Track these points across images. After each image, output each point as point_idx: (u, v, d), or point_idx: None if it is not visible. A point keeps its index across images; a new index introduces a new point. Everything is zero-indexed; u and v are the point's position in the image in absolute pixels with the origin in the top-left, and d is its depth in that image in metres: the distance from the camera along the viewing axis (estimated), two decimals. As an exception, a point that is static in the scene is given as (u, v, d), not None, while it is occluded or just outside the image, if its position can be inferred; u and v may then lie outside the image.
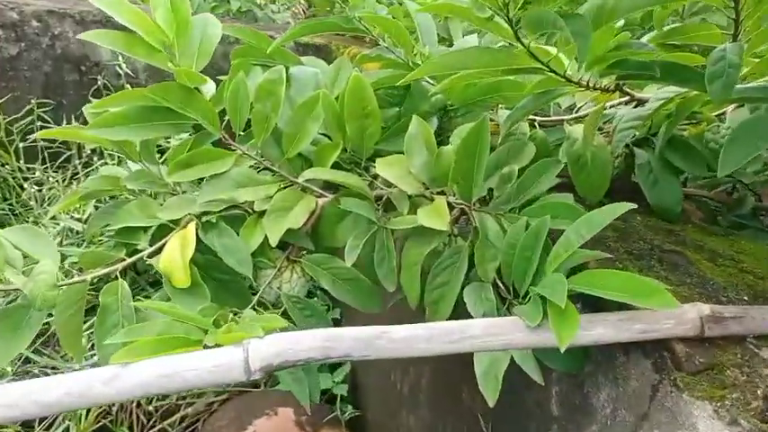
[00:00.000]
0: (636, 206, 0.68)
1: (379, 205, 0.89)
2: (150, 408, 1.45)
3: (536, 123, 1.00)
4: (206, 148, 0.87)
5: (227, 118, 0.88)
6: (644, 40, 0.79)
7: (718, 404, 0.58)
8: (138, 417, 1.44)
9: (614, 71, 0.80)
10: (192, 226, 0.83)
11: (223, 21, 0.91)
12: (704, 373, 0.62)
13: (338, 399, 1.60)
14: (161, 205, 0.89)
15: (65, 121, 2.15)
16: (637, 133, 1.03)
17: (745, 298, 0.75)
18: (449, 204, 0.82)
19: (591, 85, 0.84)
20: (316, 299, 1.91)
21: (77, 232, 1.82)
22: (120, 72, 2.00)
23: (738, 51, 0.76)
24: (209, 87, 0.92)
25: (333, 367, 1.76)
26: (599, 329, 0.63)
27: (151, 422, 1.45)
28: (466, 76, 0.82)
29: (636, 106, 0.97)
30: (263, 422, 1.30)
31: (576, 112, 1.02)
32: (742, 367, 0.62)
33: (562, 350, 0.58)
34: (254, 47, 0.98)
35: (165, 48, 0.82)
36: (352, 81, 0.85)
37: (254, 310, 0.86)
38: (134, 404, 1.42)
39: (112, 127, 0.81)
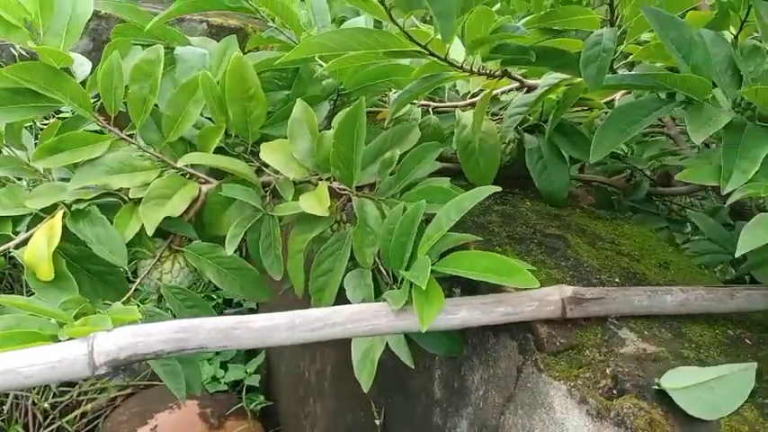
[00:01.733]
0: (499, 189, 0.68)
1: (266, 191, 0.87)
2: (46, 405, 1.37)
3: (430, 109, 1.00)
4: (76, 132, 0.82)
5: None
6: (521, 23, 0.79)
7: (572, 384, 0.59)
8: (34, 415, 1.36)
9: (497, 56, 0.81)
10: (59, 215, 0.79)
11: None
12: (564, 353, 0.64)
13: (244, 390, 1.56)
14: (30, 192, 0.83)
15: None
16: (530, 118, 1.04)
17: (617, 280, 0.78)
18: (335, 190, 0.81)
19: (475, 70, 0.84)
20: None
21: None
22: (15, 53, 1.87)
23: (613, 36, 0.78)
24: (83, 68, 0.87)
25: (248, 357, 1.73)
26: (464, 312, 0.63)
27: (48, 420, 1.38)
28: (352, 59, 0.80)
29: (527, 92, 0.98)
30: (165, 416, 1.26)
31: (469, 98, 1.02)
32: (600, 347, 0.64)
33: (422, 331, 0.57)
34: (135, 26, 0.93)
35: (27, 25, 0.77)
36: (231, 62, 0.82)
37: (140, 302, 0.83)
38: (29, 401, 1.34)
39: (-31, 109, 0.75)
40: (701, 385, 0.54)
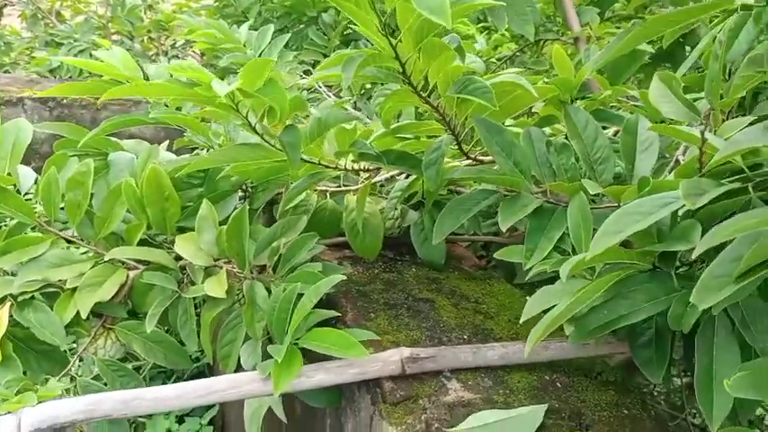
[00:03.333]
0: (343, 277, 0.86)
1: (184, 275, 1.04)
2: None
3: (328, 194, 1.19)
4: (21, 237, 0.99)
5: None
6: (374, 135, 0.98)
7: (401, 428, 0.76)
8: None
9: (361, 159, 1.00)
10: (6, 306, 0.95)
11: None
12: (402, 403, 0.80)
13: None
14: (-16, 287, 1.00)
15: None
16: (416, 195, 1.23)
17: (465, 336, 0.95)
18: (234, 273, 0.99)
19: (348, 168, 1.03)
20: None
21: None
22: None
23: (449, 142, 0.97)
24: (27, 180, 1.05)
25: (205, 408, 1.87)
26: (320, 375, 0.80)
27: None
28: (243, 165, 0.98)
29: (407, 177, 1.17)
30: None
31: (361, 182, 1.21)
32: (430, 396, 0.81)
33: (275, 396, 0.74)
34: (72, 140, 1.11)
35: (-23, 153, 0.95)
36: (149, 172, 1.00)
37: (79, 375, 0.99)
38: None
39: (-72, 224, 0.93)
40: (486, 426, 0.71)
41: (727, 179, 0.62)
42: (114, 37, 3.65)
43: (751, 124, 0.67)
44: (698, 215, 0.62)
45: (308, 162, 0.97)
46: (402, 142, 1.02)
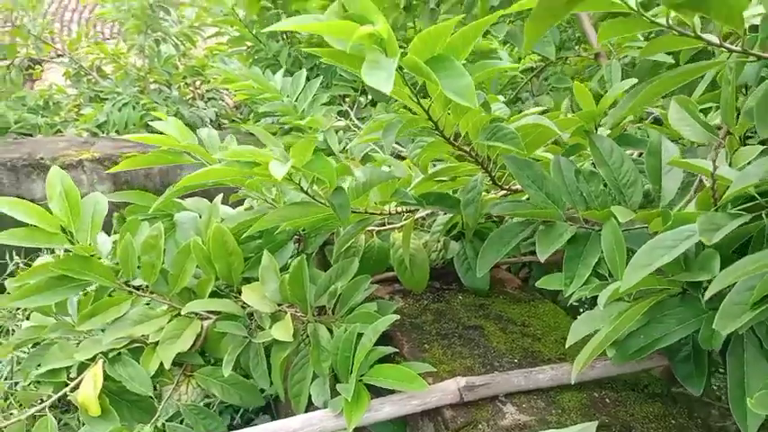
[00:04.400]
0: (397, 317, 0.94)
1: (251, 321, 1.14)
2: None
3: (374, 233, 1.27)
4: (105, 299, 1.11)
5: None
6: (414, 182, 1.07)
7: (465, 452, 0.83)
8: None
9: (404, 204, 1.08)
10: (99, 363, 1.07)
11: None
12: (463, 429, 0.88)
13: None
14: (77, 346, 1.12)
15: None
16: (456, 228, 1.31)
17: (516, 360, 1.02)
18: (298, 317, 1.08)
19: (391, 212, 1.11)
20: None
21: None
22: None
23: (483, 180, 1.05)
24: (105, 246, 1.17)
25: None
26: (387, 408, 0.88)
27: None
28: (296, 221, 1.08)
29: (446, 213, 1.25)
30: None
31: (403, 221, 1.29)
32: (488, 421, 0.88)
33: (349, 430, 0.83)
34: (141, 205, 1.23)
35: (64, 230, 1.07)
36: (213, 231, 1.11)
37: (168, 420, 1.10)
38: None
39: (29, 297, 1.05)
40: (542, 446, 0.78)
41: (741, 206, 0.68)
42: (153, 86, 3.85)
43: (763, 152, 0.73)
44: (717, 242, 0.68)
45: (356, 212, 1.06)
46: (439, 184, 1.10)
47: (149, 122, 1.31)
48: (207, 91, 3.90)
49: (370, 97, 2.68)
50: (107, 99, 3.49)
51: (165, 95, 3.69)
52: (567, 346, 0.84)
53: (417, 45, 0.68)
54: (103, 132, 3.29)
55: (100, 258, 1.13)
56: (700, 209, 0.74)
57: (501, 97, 1.42)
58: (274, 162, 0.84)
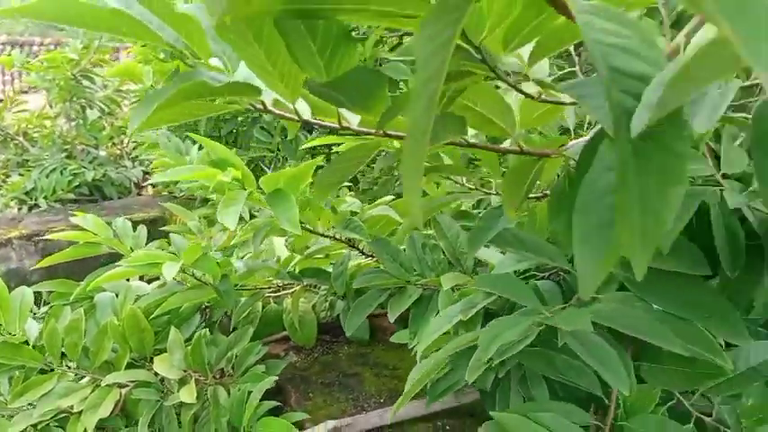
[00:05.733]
0: (274, 378, 1.16)
1: (164, 386, 1.34)
2: None
3: (271, 299, 1.50)
4: (34, 378, 1.28)
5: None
6: (294, 261, 1.31)
7: (330, 481, 1.06)
8: None
9: (286, 280, 1.32)
10: (30, 435, 1.24)
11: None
12: (331, 462, 1.11)
13: None
14: (10, 421, 1.29)
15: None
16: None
17: (382, 400, 1.26)
18: (202, 381, 1.29)
19: (280, 285, 1.35)
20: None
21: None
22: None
23: (350, 256, 1.29)
24: (31, 328, 1.35)
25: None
26: (270, 452, 1.10)
27: None
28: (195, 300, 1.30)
29: (330, 275, 1.49)
30: None
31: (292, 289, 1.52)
32: (352, 454, 1.11)
33: (238, 474, 1.04)
34: (64, 293, 1.42)
35: (-7, 320, 1.25)
36: (127, 313, 1.31)
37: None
38: None
39: (-37, 383, 1.22)
40: (385, 470, 1.02)
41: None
42: (80, 147, 3.97)
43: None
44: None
45: (247, 289, 1.29)
46: (318, 260, 1.35)
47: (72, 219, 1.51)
48: (134, 149, 4.05)
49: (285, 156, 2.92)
50: (33, 167, 3.60)
51: (93, 157, 3.83)
52: (405, 391, 1.08)
53: (264, 181, 0.93)
54: (31, 199, 3.39)
55: (28, 343, 1.31)
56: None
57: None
58: (167, 264, 1.06)
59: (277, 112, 0.63)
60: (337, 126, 0.65)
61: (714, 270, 0.76)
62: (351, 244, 1.30)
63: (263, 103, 0.63)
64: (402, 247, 1.29)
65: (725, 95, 0.51)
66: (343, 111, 0.64)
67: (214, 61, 0.62)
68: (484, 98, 0.66)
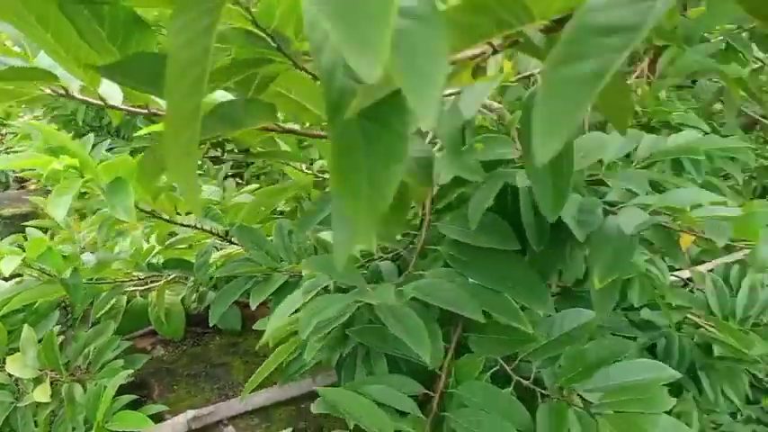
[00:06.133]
0: (128, 372, 1.15)
1: (18, 387, 1.28)
2: None
3: (138, 293, 1.47)
4: None
5: None
6: (155, 251, 1.29)
7: (187, 470, 1.06)
8: None
9: (149, 271, 1.29)
10: None
11: None
12: (192, 451, 1.11)
13: None
14: None
15: None
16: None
17: (243, 385, 1.27)
18: (58, 379, 1.24)
19: (142, 278, 1.32)
20: None
21: None
22: None
23: (212, 245, 1.29)
24: None
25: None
26: (126, 446, 1.09)
27: None
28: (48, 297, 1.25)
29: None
30: None
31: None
32: (212, 441, 1.12)
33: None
34: None
35: None
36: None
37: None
38: None
39: None
40: (240, 454, 1.03)
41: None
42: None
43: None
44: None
45: (106, 283, 1.25)
46: (180, 251, 1.33)
47: None
48: (11, 140, 3.77)
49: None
50: None
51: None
52: (256, 372, 1.10)
53: (103, 169, 0.91)
54: None
55: None
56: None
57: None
58: (6, 259, 1.02)
59: (80, 97, 0.62)
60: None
61: (524, 246, 0.83)
62: (213, 233, 1.29)
63: (64, 89, 0.62)
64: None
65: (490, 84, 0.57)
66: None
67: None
68: (298, 85, 0.69)
